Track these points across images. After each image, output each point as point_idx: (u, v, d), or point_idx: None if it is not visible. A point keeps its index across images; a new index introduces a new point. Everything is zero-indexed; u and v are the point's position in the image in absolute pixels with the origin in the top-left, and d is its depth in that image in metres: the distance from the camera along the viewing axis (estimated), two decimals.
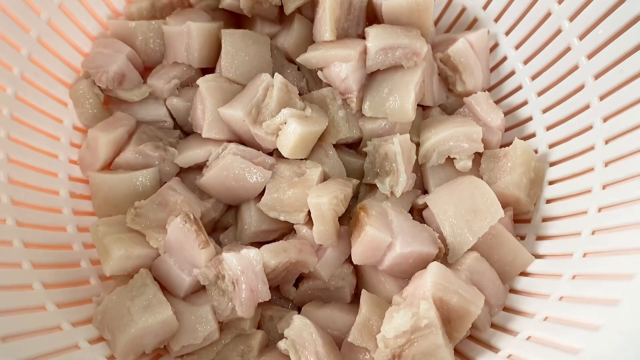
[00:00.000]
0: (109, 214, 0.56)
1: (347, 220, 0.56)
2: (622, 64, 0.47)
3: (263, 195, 0.55)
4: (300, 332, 0.47)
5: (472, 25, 0.66)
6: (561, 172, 0.54)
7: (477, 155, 0.58)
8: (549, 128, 0.57)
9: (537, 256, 0.53)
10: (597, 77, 0.50)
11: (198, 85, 0.58)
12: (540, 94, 0.58)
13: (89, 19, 0.63)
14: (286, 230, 0.58)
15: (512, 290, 0.53)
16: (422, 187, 0.61)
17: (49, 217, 0.55)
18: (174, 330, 0.48)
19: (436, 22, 0.69)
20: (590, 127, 0.51)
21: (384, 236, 0.49)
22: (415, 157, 0.57)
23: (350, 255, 0.53)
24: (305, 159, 0.57)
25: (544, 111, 0.58)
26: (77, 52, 0.62)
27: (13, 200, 0.51)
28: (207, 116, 0.57)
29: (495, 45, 0.63)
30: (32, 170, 0.55)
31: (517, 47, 0.60)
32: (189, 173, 0.61)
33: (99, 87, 0.61)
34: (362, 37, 0.59)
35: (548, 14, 0.55)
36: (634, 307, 0.37)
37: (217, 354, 0.51)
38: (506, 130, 0.62)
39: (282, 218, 0.54)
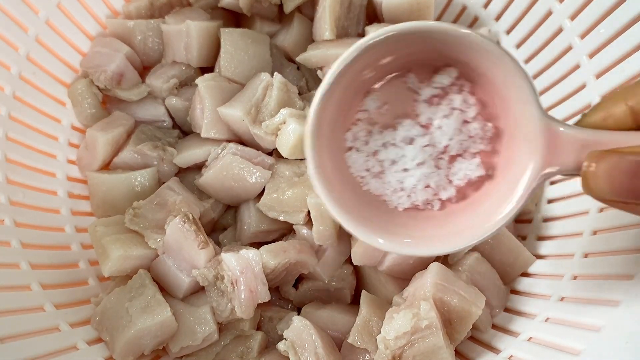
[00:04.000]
0: (108, 214, 0.55)
1: None
2: (623, 63, 0.47)
3: (262, 195, 0.55)
4: (300, 333, 0.47)
5: (473, 24, 0.65)
6: None
7: None
8: None
9: (538, 257, 0.53)
10: (598, 76, 0.50)
11: (197, 85, 0.57)
12: (541, 93, 0.58)
13: (87, 18, 0.63)
14: (286, 231, 0.58)
15: (513, 291, 0.53)
16: None
17: (47, 218, 0.55)
18: (173, 331, 0.48)
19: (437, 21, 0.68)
20: None
21: None
22: None
23: (350, 255, 0.53)
24: (305, 158, 0.56)
25: (546, 110, 0.57)
26: (76, 51, 0.62)
27: (11, 200, 0.51)
28: (206, 116, 0.57)
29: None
30: (30, 170, 0.55)
31: (518, 46, 0.60)
32: (188, 173, 0.61)
33: (97, 86, 0.61)
34: (362, 36, 0.58)
35: (549, 13, 0.55)
36: (636, 307, 0.37)
37: (216, 355, 0.51)
38: None
39: (281, 218, 0.54)
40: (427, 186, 0.35)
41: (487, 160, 0.33)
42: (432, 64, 0.33)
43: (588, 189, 0.25)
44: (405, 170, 0.34)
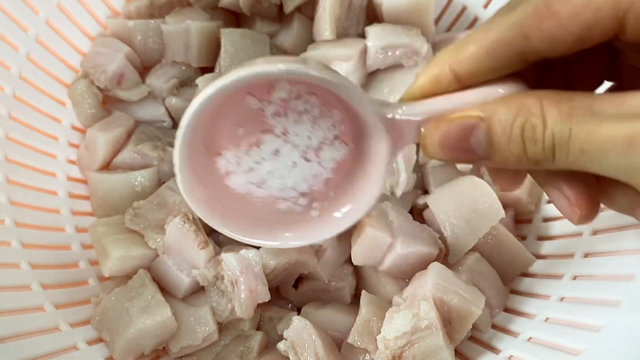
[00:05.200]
0: (108, 215, 0.55)
1: None
2: None
3: None
4: (300, 333, 0.47)
5: (473, 24, 0.65)
6: None
7: None
8: None
9: (538, 257, 0.53)
10: None
11: (197, 85, 0.57)
12: None
13: (87, 19, 0.63)
14: None
15: (513, 291, 0.53)
16: (422, 187, 0.60)
17: (48, 218, 0.55)
18: (172, 331, 0.48)
19: (437, 21, 0.68)
20: None
21: (384, 237, 0.49)
22: (416, 157, 0.57)
23: (350, 255, 0.53)
24: None
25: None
26: (76, 51, 0.62)
27: (11, 200, 0.51)
28: None
29: None
30: (31, 170, 0.55)
31: None
32: None
33: (97, 86, 0.61)
34: (362, 36, 0.58)
35: None
36: (636, 307, 0.37)
37: (216, 355, 0.51)
38: None
39: None
40: (306, 178, 0.37)
41: (348, 142, 0.36)
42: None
43: (427, 155, 0.30)
44: (282, 176, 0.37)
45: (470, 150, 0.27)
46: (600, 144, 0.23)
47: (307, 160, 0.36)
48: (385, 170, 0.33)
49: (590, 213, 0.29)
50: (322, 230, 0.37)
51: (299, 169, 0.36)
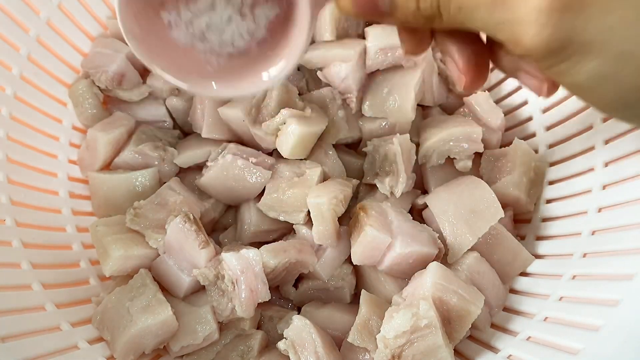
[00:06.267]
0: (108, 214, 0.56)
1: (347, 220, 0.56)
2: None
3: (263, 195, 0.55)
4: (300, 332, 0.47)
5: None
6: (561, 172, 0.54)
7: (477, 155, 0.58)
8: (548, 128, 0.57)
9: (537, 256, 0.53)
10: None
11: None
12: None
13: (88, 19, 0.63)
14: (286, 231, 0.58)
15: (512, 291, 0.53)
16: (422, 187, 0.61)
17: (48, 217, 0.55)
18: (173, 330, 0.48)
19: None
20: (590, 127, 0.51)
21: (383, 236, 0.49)
22: (415, 157, 0.57)
23: (349, 255, 0.53)
24: (305, 159, 0.57)
25: (544, 111, 0.58)
26: (77, 52, 0.62)
27: (12, 200, 0.51)
28: (207, 116, 0.57)
29: None
30: (32, 170, 0.55)
31: None
32: (189, 173, 0.61)
33: (98, 87, 0.61)
34: (362, 37, 0.59)
35: None
36: (634, 307, 0.37)
37: (216, 354, 0.51)
38: (506, 130, 0.62)
39: (281, 218, 0.54)
40: (242, 35, 0.39)
41: (280, 2, 0.38)
42: None
43: (340, 11, 0.33)
44: (220, 29, 0.39)
45: (376, 7, 0.30)
46: (472, 0, 0.27)
47: (242, 15, 0.38)
48: (309, 26, 0.34)
49: (474, 81, 0.32)
50: (250, 84, 0.39)
51: (235, 24, 0.39)
